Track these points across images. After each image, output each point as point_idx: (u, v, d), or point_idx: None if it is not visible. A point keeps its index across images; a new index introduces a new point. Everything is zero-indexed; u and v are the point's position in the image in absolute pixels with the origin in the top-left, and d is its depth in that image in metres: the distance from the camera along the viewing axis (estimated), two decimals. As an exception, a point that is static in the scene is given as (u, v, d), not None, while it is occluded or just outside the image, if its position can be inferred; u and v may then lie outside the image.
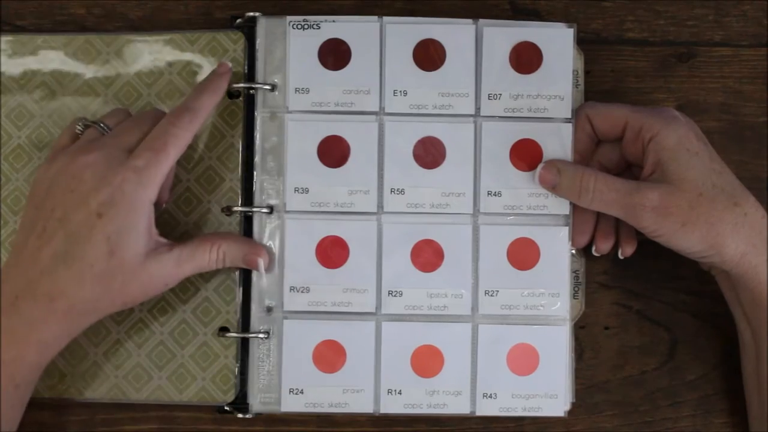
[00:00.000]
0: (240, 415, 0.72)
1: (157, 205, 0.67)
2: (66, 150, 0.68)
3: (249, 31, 0.74)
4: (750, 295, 0.68)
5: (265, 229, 0.72)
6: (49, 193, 0.65)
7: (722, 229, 0.66)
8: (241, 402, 0.72)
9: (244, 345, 0.73)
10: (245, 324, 0.73)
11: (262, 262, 0.71)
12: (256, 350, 0.72)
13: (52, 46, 0.75)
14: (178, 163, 0.72)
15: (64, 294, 0.64)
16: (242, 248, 0.71)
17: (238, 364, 0.72)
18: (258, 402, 0.72)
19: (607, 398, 0.75)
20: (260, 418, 0.74)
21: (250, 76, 0.73)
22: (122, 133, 0.67)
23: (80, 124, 0.70)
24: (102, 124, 0.69)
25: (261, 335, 0.72)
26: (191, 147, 0.73)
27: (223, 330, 0.73)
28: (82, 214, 0.64)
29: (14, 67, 0.75)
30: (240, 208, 0.73)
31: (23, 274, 0.64)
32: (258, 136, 0.73)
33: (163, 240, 0.67)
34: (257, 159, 0.73)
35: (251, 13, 0.73)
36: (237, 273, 0.73)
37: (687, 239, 0.66)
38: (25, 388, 0.66)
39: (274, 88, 0.73)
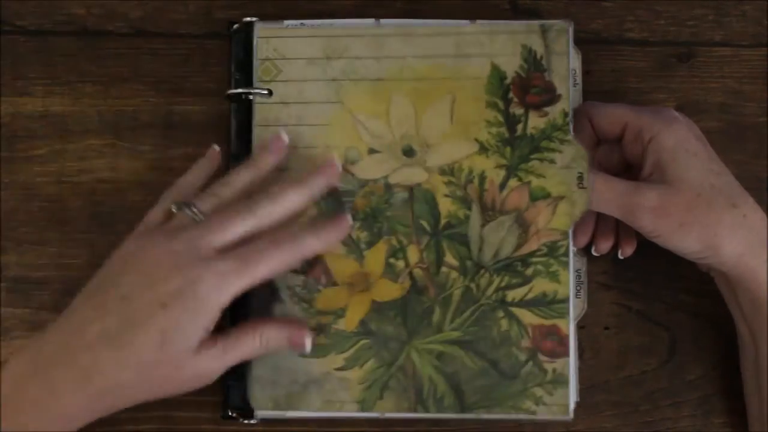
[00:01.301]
0: (245, 421, 0.72)
1: None
2: (157, 230, 0.65)
3: (246, 35, 0.73)
4: (748, 296, 0.68)
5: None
6: (124, 269, 0.63)
7: (720, 230, 0.66)
8: (245, 407, 0.72)
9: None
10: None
11: (308, 343, 0.67)
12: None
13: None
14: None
15: (102, 374, 0.61)
16: (285, 331, 0.67)
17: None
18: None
19: (607, 398, 0.75)
20: (260, 419, 0.74)
21: (247, 81, 0.73)
22: (215, 227, 0.64)
23: (175, 204, 0.66)
24: (194, 209, 0.65)
25: None
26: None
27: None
28: (145, 299, 0.61)
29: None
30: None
31: (65, 343, 0.62)
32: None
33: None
34: None
35: (248, 18, 0.73)
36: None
37: (685, 240, 0.67)
38: None
39: (271, 93, 0.72)
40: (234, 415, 0.72)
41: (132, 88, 0.76)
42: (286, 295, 0.71)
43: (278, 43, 0.72)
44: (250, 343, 0.65)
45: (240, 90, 0.72)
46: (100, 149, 0.76)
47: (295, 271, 0.71)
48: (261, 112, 0.72)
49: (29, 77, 0.76)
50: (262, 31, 0.72)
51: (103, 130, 0.76)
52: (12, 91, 0.76)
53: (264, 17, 0.73)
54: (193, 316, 0.61)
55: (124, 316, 0.61)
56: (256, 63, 0.72)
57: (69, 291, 0.69)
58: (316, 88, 0.71)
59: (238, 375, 0.71)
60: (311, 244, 0.65)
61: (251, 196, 0.66)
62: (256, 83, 0.72)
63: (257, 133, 0.72)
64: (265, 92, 0.72)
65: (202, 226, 0.64)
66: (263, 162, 0.68)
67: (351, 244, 0.71)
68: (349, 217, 0.67)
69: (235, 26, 0.74)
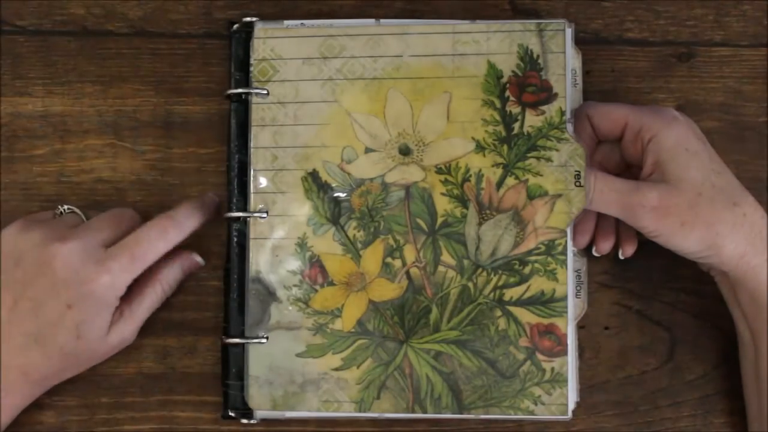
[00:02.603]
0: (245, 421, 0.72)
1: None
2: (43, 223, 0.70)
3: (246, 35, 0.73)
4: (749, 295, 0.68)
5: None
6: (19, 265, 0.68)
7: (721, 229, 0.66)
8: (245, 407, 0.72)
9: (243, 350, 0.72)
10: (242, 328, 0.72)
11: (198, 260, 0.74)
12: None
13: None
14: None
15: (36, 368, 0.69)
16: (177, 267, 0.73)
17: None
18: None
19: (607, 398, 0.75)
20: (259, 418, 0.74)
21: (247, 81, 0.73)
22: (101, 227, 0.70)
23: (64, 207, 0.74)
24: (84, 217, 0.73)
25: (263, 340, 0.71)
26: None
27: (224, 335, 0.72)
28: (52, 303, 0.67)
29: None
30: (238, 214, 0.72)
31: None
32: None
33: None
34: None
35: (248, 18, 0.73)
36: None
37: (686, 239, 0.66)
38: None
39: (269, 93, 0.72)
40: (234, 415, 0.72)
41: (132, 88, 0.77)
42: (283, 296, 0.71)
43: (275, 44, 0.72)
44: (154, 295, 0.72)
45: (240, 90, 0.72)
46: (100, 149, 0.76)
47: (292, 272, 0.71)
48: (258, 112, 0.72)
49: (29, 77, 0.76)
50: (259, 31, 0.72)
51: (103, 130, 0.76)
52: (12, 91, 0.76)
53: (264, 17, 0.73)
54: (97, 312, 0.68)
55: (39, 318, 0.67)
56: (252, 63, 0.72)
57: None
58: (312, 88, 0.71)
59: (237, 375, 0.71)
60: (191, 222, 0.72)
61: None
62: (252, 83, 0.72)
63: (254, 133, 0.72)
64: (263, 92, 0.72)
65: (88, 226, 0.70)
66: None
67: (348, 244, 0.71)
68: (213, 194, 0.75)
69: (235, 26, 0.74)
